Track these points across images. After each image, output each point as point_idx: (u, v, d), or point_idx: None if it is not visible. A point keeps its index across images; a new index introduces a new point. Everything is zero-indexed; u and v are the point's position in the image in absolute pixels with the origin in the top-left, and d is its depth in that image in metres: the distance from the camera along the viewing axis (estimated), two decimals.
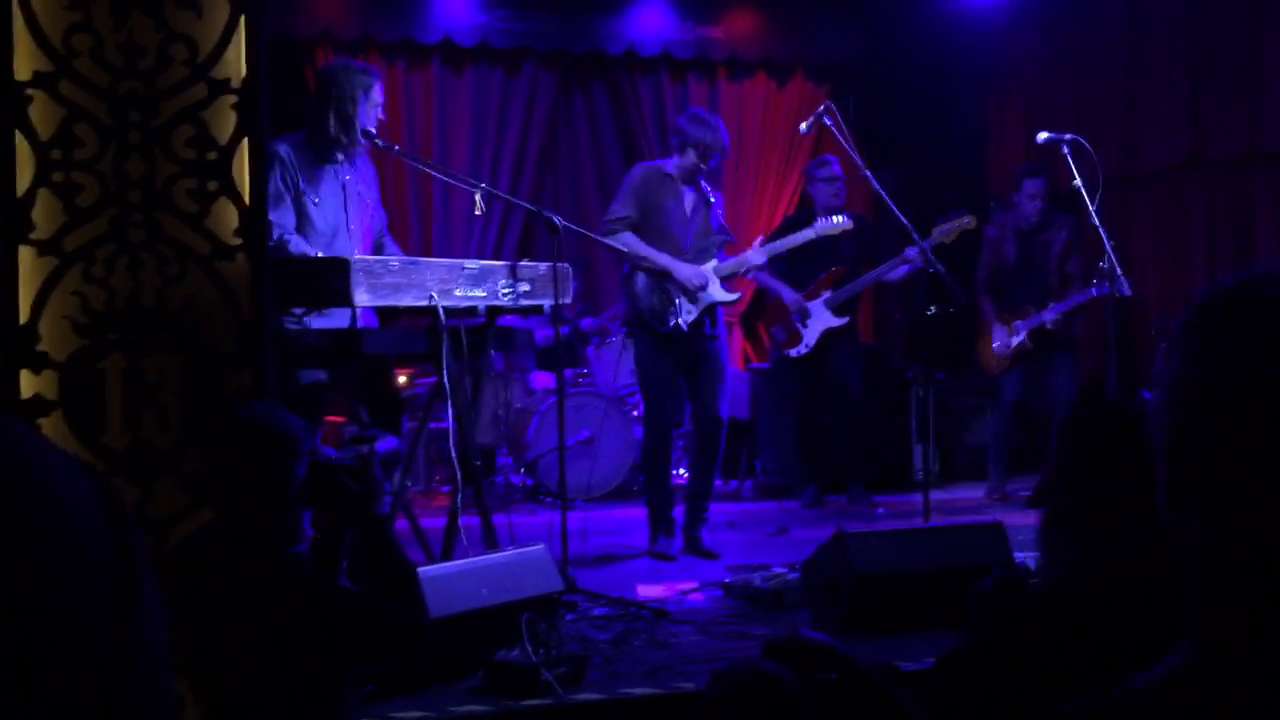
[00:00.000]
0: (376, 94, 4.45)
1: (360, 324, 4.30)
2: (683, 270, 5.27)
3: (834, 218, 5.83)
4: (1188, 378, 0.84)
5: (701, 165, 5.33)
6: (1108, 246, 5.05)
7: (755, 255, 5.55)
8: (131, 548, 0.67)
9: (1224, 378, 0.82)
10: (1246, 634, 0.82)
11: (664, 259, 5.27)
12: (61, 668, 0.61)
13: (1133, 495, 1.82)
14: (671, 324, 5.28)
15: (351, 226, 4.50)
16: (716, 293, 5.37)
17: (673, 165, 5.39)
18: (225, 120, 2.97)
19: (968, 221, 5.92)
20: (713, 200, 5.44)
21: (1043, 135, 5.26)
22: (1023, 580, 3.13)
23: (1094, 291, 6.13)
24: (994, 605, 2.01)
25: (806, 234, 5.77)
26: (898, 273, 6.32)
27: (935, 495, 5.32)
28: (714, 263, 5.39)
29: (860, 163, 5.11)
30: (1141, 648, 1.66)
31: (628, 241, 5.26)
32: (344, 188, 4.49)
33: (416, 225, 8.07)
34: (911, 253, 6.04)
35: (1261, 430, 0.79)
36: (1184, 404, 0.84)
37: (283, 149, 4.34)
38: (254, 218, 3.00)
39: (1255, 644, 0.81)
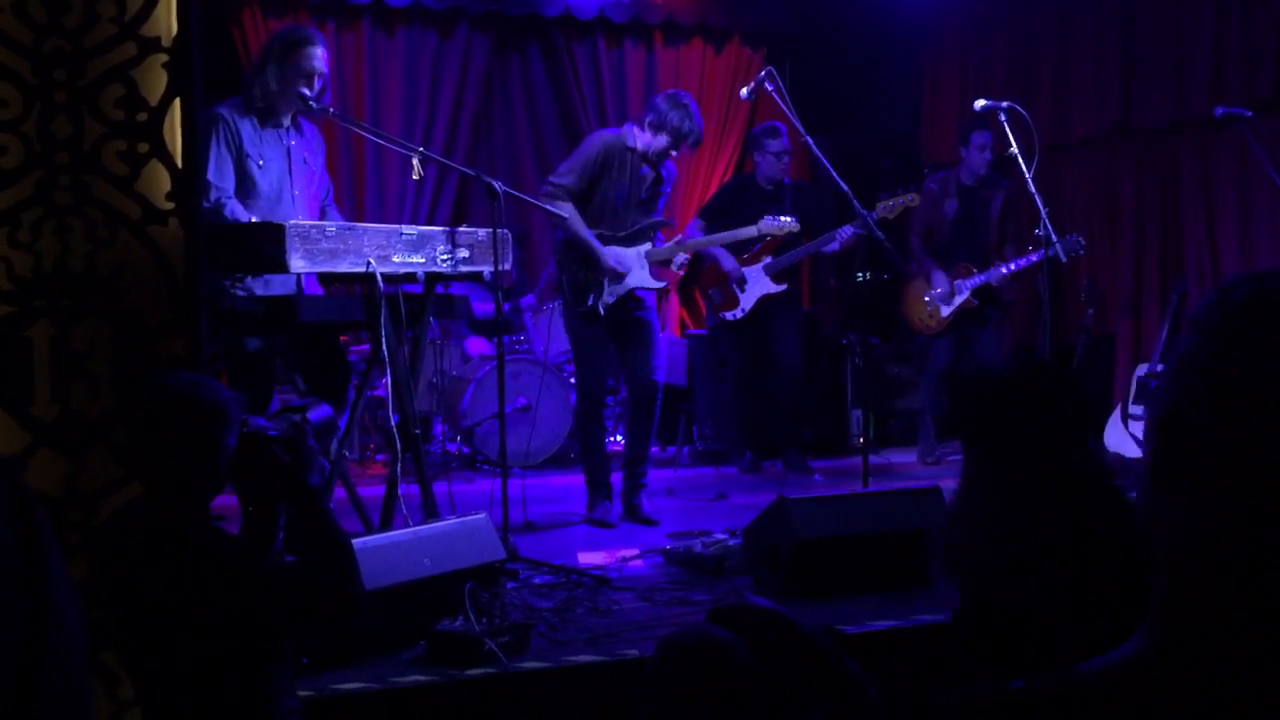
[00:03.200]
0: (313, 59, 4.34)
1: (306, 291, 4.24)
2: (607, 260, 5.20)
3: (782, 218, 5.80)
4: (1205, 359, 0.82)
5: (673, 151, 5.24)
6: (1044, 213, 5.10)
7: (680, 258, 5.46)
8: (36, 533, 0.64)
9: (1245, 366, 0.79)
10: (1209, 626, 0.80)
11: (592, 244, 5.19)
12: None
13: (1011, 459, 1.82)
14: (590, 303, 5.24)
15: (296, 192, 4.43)
16: (642, 279, 5.32)
17: (640, 140, 5.23)
18: (156, 80, 2.87)
19: (912, 199, 5.95)
20: (665, 180, 5.37)
21: (980, 102, 5.30)
22: None
23: (1042, 253, 6.22)
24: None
25: (749, 231, 5.76)
26: (830, 247, 6.35)
27: (871, 460, 5.36)
28: (648, 246, 5.34)
29: (802, 129, 5.10)
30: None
31: (562, 213, 5.17)
32: (288, 153, 4.42)
33: (349, 191, 7.93)
34: (844, 232, 6.09)
35: (1270, 424, 0.77)
36: (1196, 384, 0.82)
37: (224, 111, 4.27)
38: (187, 181, 2.91)
39: (1215, 637, 0.80)
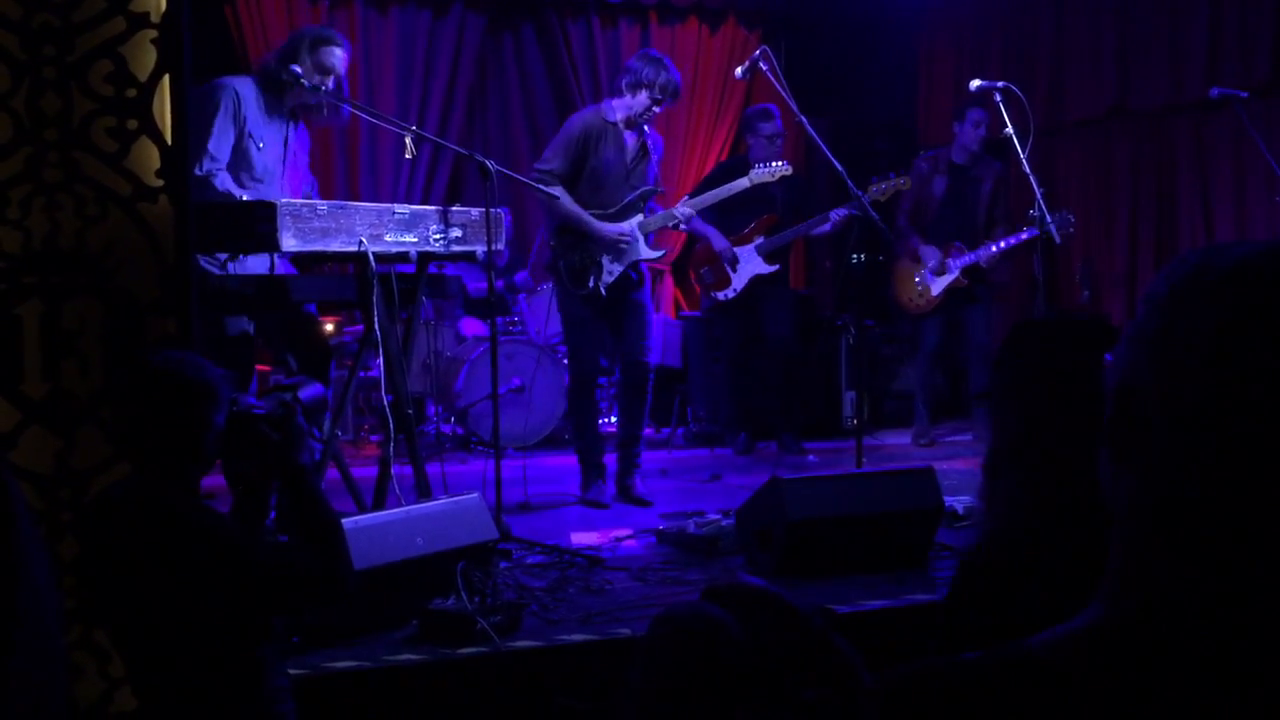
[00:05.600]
0: (333, 56, 4.42)
1: (278, 271, 4.25)
2: (606, 232, 5.19)
3: (772, 163, 5.78)
4: (1151, 332, 0.83)
5: (654, 109, 5.22)
6: (1038, 194, 5.10)
7: (682, 210, 5.48)
8: (7, 505, 0.63)
9: (1187, 338, 0.80)
10: (1162, 598, 0.81)
11: (588, 221, 5.18)
12: None
13: (1064, 430, 1.80)
14: (590, 286, 5.22)
15: (284, 181, 4.46)
16: (640, 250, 5.31)
17: (618, 110, 5.22)
18: (145, 56, 2.85)
19: (903, 182, 5.94)
20: (651, 150, 5.35)
21: (976, 83, 5.28)
22: None
23: (1036, 231, 6.22)
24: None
25: (741, 183, 5.71)
26: (822, 229, 6.34)
27: (865, 441, 5.36)
28: (639, 218, 5.32)
29: (796, 109, 5.08)
30: (1071, 605, 1.66)
31: (554, 195, 5.15)
32: (285, 142, 4.49)
33: (342, 170, 7.91)
34: (836, 213, 6.08)
35: (1211, 397, 0.78)
36: (1142, 357, 0.83)
37: (237, 85, 4.32)
38: (176, 157, 2.89)
39: (1169, 609, 0.80)
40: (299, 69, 4.35)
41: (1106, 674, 0.81)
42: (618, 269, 5.24)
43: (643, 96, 5.16)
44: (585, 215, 5.19)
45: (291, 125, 4.53)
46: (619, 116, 5.23)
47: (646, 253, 5.34)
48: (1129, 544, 0.84)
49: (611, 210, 5.24)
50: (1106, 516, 1.74)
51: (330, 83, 4.44)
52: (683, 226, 5.61)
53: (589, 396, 5.40)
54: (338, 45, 4.46)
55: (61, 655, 0.66)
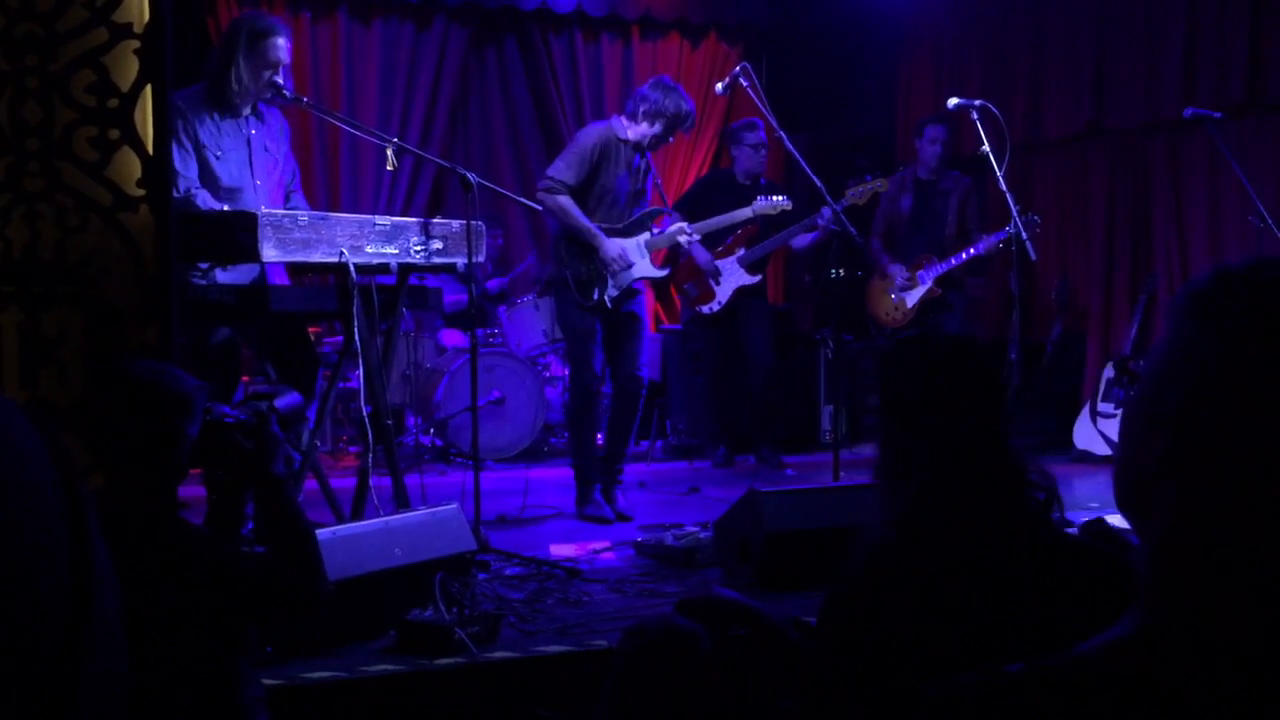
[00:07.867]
0: (277, 50, 4.29)
1: (271, 280, 4.21)
2: (609, 249, 5.18)
3: (774, 197, 5.84)
4: (1210, 353, 0.84)
5: (667, 138, 5.24)
6: (1014, 211, 5.15)
7: (686, 237, 5.48)
8: (82, 500, 0.65)
9: (1256, 358, 0.81)
10: (1202, 609, 0.82)
11: (594, 233, 5.17)
12: (19, 625, 0.58)
13: (946, 436, 1.83)
14: (595, 298, 5.23)
15: (258, 182, 4.40)
16: (645, 269, 5.33)
17: (631, 131, 5.22)
18: (127, 66, 2.87)
19: (880, 184, 6.00)
20: (650, 168, 5.36)
21: (953, 101, 5.34)
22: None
23: (1006, 231, 6.25)
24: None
25: (744, 213, 5.77)
26: (801, 240, 6.37)
27: (843, 455, 5.39)
28: (646, 236, 5.34)
29: (776, 124, 5.12)
30: (972, 609, 1.67)
31: (564, 206, 5.16)
32: (249, 143, 4.38)
33: (323, 181, 7.91)
34: (820, 219, 6.10)
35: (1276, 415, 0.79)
36: (1204, 379, 0.84)
37: (181, 102, 4.21)
38: (157, 167, 2.91)
39: (1209, 620, 0.82)
40: (244, 75, 4.23)
41: (1158, 679, 0.82)
42: (624, 282, 5.25)
43: (658, 127, 5.16)
44: (595, 229, 5.18)
45: (253, 120, 4.40)
46: (630, 136, 5.23)
47: (650, 271, 5.35)
48: (1167, 556, 0.85)
49: (619, 226, 5.26)
50: (985, 520, 1.77)
51: (282, 75, 4.30)
52: (685, 242, 5.60)
53: (591, 408, 5.37)
54: (278, 35, 4.29)
55: (124, 650, 0.68)
